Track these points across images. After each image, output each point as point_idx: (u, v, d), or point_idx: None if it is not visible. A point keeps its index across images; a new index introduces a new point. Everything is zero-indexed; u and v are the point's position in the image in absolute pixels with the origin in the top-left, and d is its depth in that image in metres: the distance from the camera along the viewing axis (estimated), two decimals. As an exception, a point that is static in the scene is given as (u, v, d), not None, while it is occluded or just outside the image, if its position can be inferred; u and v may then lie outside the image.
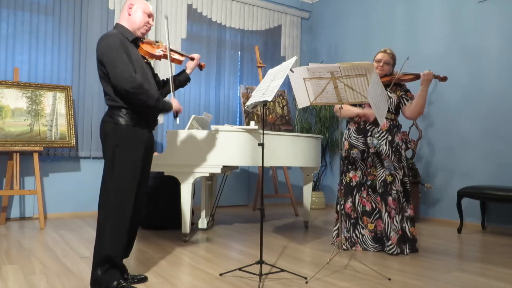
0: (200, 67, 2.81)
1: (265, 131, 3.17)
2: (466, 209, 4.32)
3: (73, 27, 4.71)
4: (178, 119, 2.46)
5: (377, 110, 2.63)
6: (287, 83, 4.95)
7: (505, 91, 4.25)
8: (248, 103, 2.65)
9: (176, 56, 2.61)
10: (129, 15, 2.30)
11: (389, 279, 2.48)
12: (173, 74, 2.60)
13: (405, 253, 3.09)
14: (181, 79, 2.64)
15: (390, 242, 3.09)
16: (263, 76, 4.00)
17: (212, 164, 3.34)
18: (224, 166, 3.39)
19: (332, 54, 6.30)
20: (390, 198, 3.12)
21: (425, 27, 5.03)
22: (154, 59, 2.53)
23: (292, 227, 4.32)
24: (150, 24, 2.36)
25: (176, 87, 2.62)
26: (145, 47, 2.43)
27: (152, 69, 2.48)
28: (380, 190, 3.16)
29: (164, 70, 5.01)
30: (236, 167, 4.43)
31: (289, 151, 3.69)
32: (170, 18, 5.28)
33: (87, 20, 4.76)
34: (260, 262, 2.42)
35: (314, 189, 5.93)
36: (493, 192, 3.90)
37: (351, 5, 6.02)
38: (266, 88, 2.52)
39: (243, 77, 6.01)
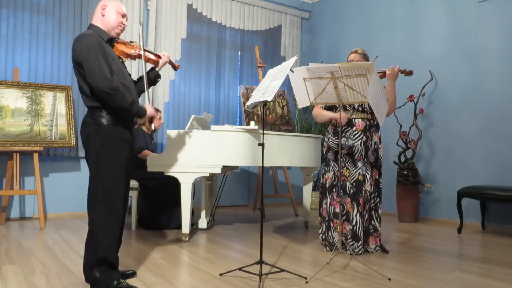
0: (174, 67, 2.79)
1: (265, 131, 3.17)
2: (466, 209, 4.32)
3: (73, 27, 4.71)
4: (153, 125, 2.49)
5: (377, 110, 2.63)
6: (287, 83, 4.95)
7: (505, 91, 4.25)
8: (248, 103, 2.65)
9: (151, 56, 2.60)
10: (103, 15, 2.30)
11: (389, 279, 2.48)
12: (144, 73, 2.60)
13: (376, 251, 3.14)
14: (151, 76, 2.62)
15: (360, 242, 3.08)
16: (263, 76, 4.00)
17: (212, 164, 3.34)
18: (224, 166, 3.39)
19: (332, 54, 6.30)
20: (361, 199, 3.11)
21: (425, 27, 5.03)
22: (128, 59, 2.52)
23: (292, 227, 4.32)
24: (124, 24, 2.36)
25: (148, 85, 2.60)
26: (120, 47, 2.42)
27: (126, 69, 2.47)
28: (352, 191, 3.12)
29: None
30: (236, 167, 4.43)
31: (289, 151, 3.69)
32: (170, 18, 5.28)
33: (87, 20, 4.76)
34: (260, 262, 2.42)
35: (314, 189, 5.93)
36: (493, 192, 3.90)
37: (351, 5, 6.02)
38: (266, 88, 2.52)
39: (243, 77, 6.01)
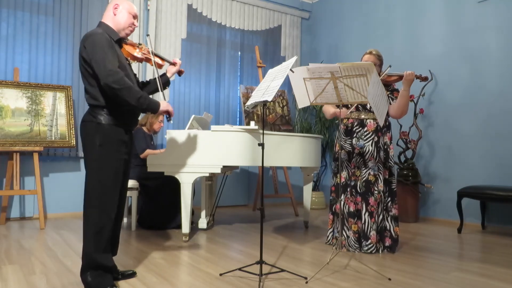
0: (179, 73, 2.78)
1: (265, 131, 3.17)
2: (466, 209, 4.32)
3: (73, 27, 4.71)
4: (172, 121, 2.43)
5: (377, 110, 2.63)
6: (287, 83, 4.95)
7: (505, 91, 4.25)
8: (248, 103, 2.65)
9: (157, 60, 2.59)
10: (114, 15, 2.30)
11: (389, 279, 2.48)
12: (156, 76, 2.60)
13: (380, 252, 3.14)
14: (161, 82, 2.60)
15: (369, 241, 3.12)
16: (263, 76, 4.00)
17: (212, 164, 3.34)
18: (224, 166, 3.39)
19: (332, 54, 6.30)
20: (372, 198, 3.14)
21: (425, 27, 5.03)
22: (135, 61, 2.52)
23: (292, 227, 4.32)
24: (134, 25, 2.36)
25: (156, 90, 2.60)
26: (127, 48, 2.42)
27: (132, 71, 2.47)
28: (362, 190, 3.17)
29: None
30: (236, 167, 4.43)
31: (289, 151, 3.69)
32: (170, 18, 5.28)
33: (87, 20, 4.76)
34: (260, 262, 2.42)
35: (314, 189, 5.94)
36: (493, 192, 3.90)
37: (351, 5, 6.02)
38: (266, 88, 2.52)
39: (243, 77, 6.01)
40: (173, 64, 2.66)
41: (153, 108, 2.28)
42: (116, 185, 2.23)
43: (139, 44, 2.55)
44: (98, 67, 2.10)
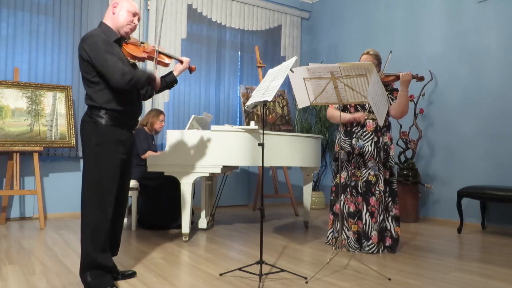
0: (190, 70, 2.71)
1: (265, 131, 3.17)
2: (466, 209, 4.32)
3: (73, 27, 4.71)
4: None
5: (377, 110, 2.63)
6: (287, 83, 4.95)
7: (505, 91, 4.25)
8: (248, 103, 2.65)
9: (165, 60, 2.51)
10: (113, 14, 2.29)
11: (389, 279, 2.48)
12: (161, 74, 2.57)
13: (381, 252, 3.14)
14: (167, 80, 2.57)
15: (370, 241, 3.11)
16: (263, 76, 4.00)
17: (212, 164, 3.34)
18: (224, 166, 3.39)
19: (332, 54, 6.30)
20: (373, 198, 3.14)
21: (425, 27, 5.03)
22: (136, 61, 2.45)
23: (292, 227, 4.32)
24: (134, 23, 2.33)
25: (163, 88, 2.58)
26: (128, 48, 2.36)
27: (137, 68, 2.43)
28: (362, 190, 3.17)
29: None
30: (236, 167, 4.43)
31: (289, 151, 3.69)
32: (170, 18, 5.28)
33: (87, 20, 4.76)
34: (260, 262, 2.42)
35: (314, 189, 5.93)
36: (493, 192, 3.90)
37: (351, 5, 6.02)
38: (266, 88, 2.52)
39: (243, 77, 6.01)
40: (180, 62, 2.61)
41: (152, 78, 2.36)
42: (112, 184, 2.23)
43: (142, 42, 2.48)
44: (107, 75, 2.13)
